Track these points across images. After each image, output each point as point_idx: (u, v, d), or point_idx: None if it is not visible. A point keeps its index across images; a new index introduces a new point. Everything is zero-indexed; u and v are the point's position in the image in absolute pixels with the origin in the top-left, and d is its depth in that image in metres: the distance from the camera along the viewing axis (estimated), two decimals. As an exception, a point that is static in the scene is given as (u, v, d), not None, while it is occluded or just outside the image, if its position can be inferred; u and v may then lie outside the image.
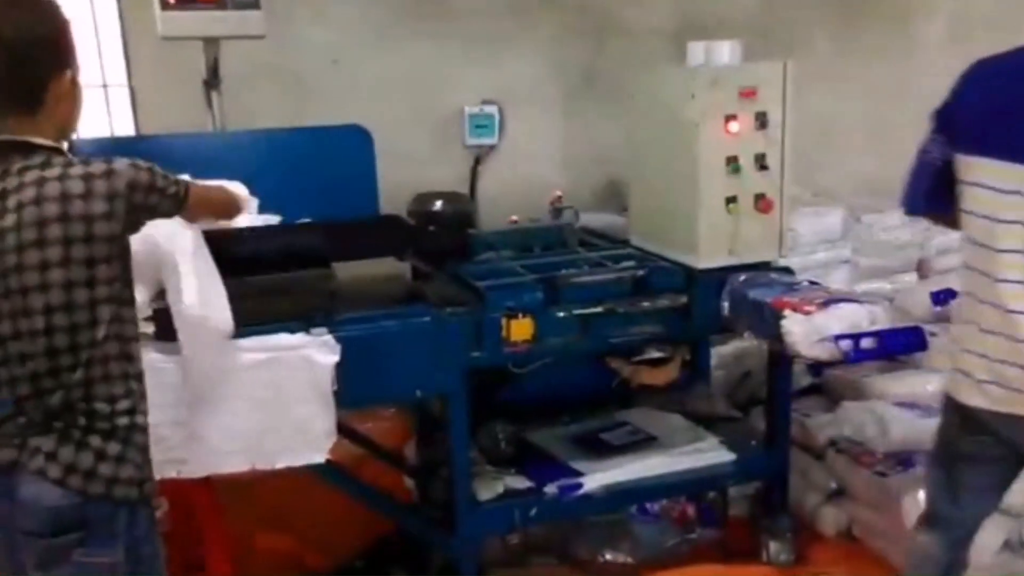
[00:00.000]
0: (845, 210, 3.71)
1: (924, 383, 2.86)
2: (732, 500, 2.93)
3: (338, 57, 3.55)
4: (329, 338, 2.07)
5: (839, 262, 3.71)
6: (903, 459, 2.63)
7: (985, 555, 2.48)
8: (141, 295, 1.80)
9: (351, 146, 2.64)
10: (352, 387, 2.09)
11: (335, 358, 2.06)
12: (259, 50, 3.38)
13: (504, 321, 2.27)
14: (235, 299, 1.99)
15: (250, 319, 2.03)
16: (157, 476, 1.88)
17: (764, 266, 2.52)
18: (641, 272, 2.44)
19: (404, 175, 3.19)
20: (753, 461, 2.64)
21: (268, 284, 2.08)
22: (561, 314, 2.33)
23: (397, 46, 3.59)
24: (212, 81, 2.69)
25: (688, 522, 2.83)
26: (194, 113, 2.92)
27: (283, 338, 2.06)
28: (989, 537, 2.49)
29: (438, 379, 2.22)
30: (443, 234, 2.71)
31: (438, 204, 2.81)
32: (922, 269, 3.85)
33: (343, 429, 2.71)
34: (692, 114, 2.41)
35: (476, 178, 3.85)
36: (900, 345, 2.07)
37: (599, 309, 2.34)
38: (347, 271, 2.36)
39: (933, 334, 3.13)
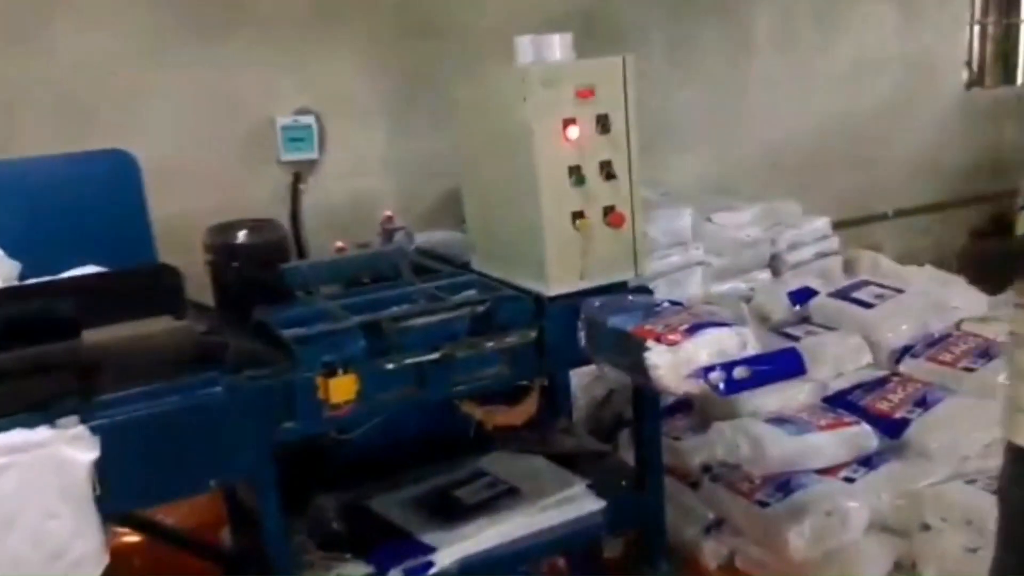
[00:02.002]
0: (694, 210, 3.55)
1: (796, 394, 2.70)
2: (606, 541, 2.65)
3: (115, 70, 3.02)
4: (82, 429, 1.59)
5: (693, 264, 3.57)
6: (782, 484, 2.43)
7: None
8: None
9: (111, 177, 2.11)
10: (121, 488, 1.62)
11: (93, 454, 1.58)
12: (12, 66, 2.85)
13: (320, 381, 1.86)
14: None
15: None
16: None
17: (620, 287, 2.23)
18: (482, 308, 2.09)
19: (208, 203, 2.72)
20: (626, 505, 2.34)
21: (-5, 367, 1.57)
22: (390, 366, 1.94)
23: (187, 55, 3.09)
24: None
25: (560, 575, 2.53)
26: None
27: (19, 436, 1.56)
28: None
29: (238, 462, 1.77)
30: (245, 272, 2.25)
31: (241, 235, 2.33)
32: (775, 266, 3.78)
33: (140, 521, 2.24)
34: (525, 119, 2.08)
35: (297, 199, 3.42)
36: (776, 372, 1.82)
37: (435, 356, 1.97)
38: (121, 331, 1.87)
39: (797, 338, 3.01)
